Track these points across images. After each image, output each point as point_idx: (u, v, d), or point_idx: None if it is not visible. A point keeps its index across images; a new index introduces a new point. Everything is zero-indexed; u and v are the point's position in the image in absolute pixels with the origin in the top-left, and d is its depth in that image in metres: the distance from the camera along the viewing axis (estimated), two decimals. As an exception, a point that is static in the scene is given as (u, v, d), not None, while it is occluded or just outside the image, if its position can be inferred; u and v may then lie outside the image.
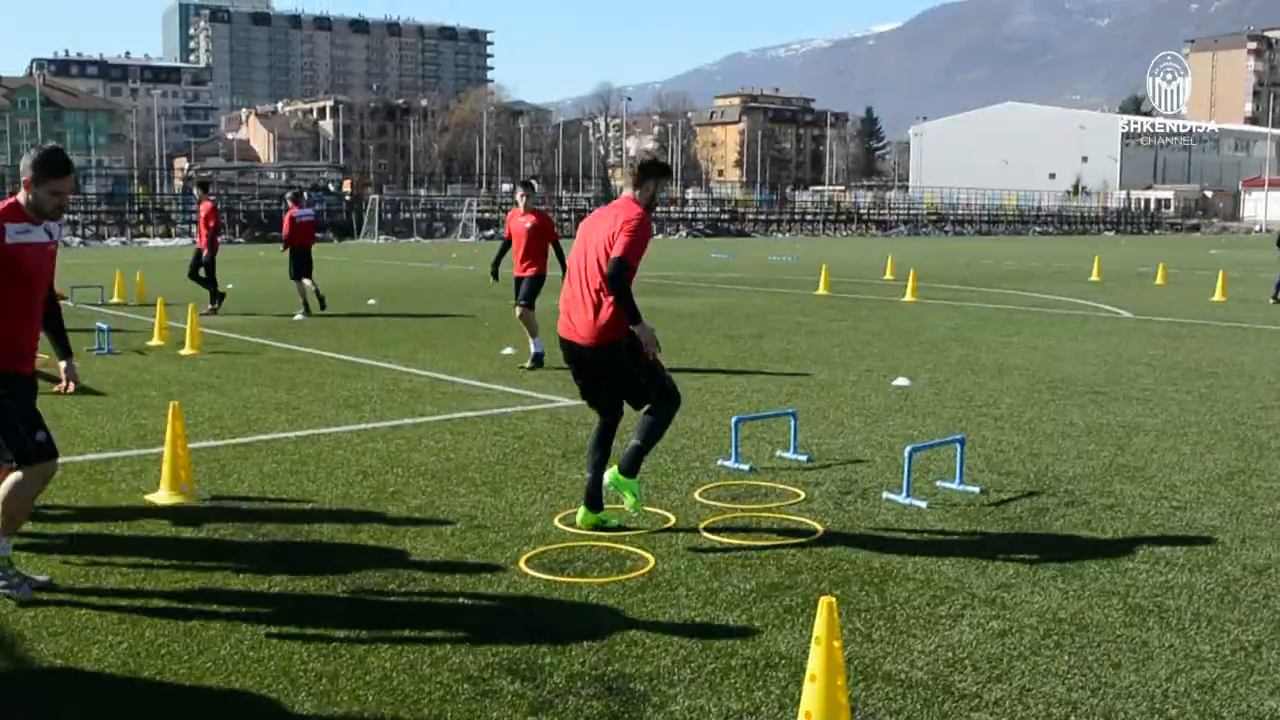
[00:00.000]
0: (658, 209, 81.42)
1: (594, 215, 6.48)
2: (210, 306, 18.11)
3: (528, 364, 12.23)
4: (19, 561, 5.36)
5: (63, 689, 4.27)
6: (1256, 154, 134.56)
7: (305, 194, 21.56)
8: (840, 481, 7.41)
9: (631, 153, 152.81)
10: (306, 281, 18.28)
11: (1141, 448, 8.49)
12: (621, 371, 6.21)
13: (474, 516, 6.55)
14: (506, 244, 12.84)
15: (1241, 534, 6.28)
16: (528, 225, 12.41)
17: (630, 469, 6.25)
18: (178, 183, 69.02)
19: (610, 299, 6.01)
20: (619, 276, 5.95)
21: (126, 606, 5.08)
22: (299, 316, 17.65)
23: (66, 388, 5.44)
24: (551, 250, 12.51)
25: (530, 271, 12.45)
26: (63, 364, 5.46)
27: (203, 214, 18.99)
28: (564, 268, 11.31)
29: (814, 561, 5.75)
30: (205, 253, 18.46)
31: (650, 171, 6.39)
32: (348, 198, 66.31)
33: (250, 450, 8.27)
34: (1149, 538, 6.20)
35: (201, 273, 18.64)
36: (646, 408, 6.32)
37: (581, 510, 6.34)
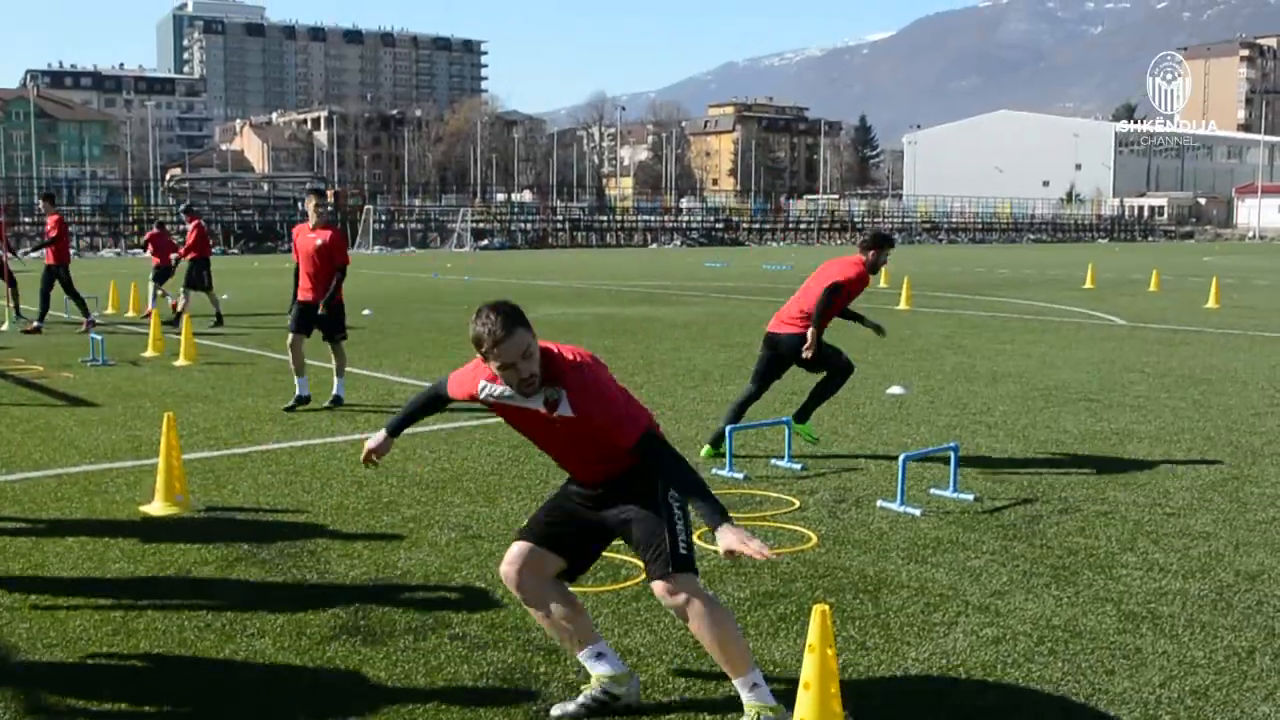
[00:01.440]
0: (650, 218, 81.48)
1: (832, 261, 8.71)
2: (88, 320, 17.28)
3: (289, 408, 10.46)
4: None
5: (57, 700, 4.26)
6: (1249, 161, 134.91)
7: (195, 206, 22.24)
8: (834, 490, 7.42)
9: (626, 162, 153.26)
10: (196, 292, 18.52)
11: (1135, 454, 8.51)
12: (798, 361, 8.48)
13: (468, 526, 6.55)
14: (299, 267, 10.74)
15: (1235, 540, 6.30)
16: (317, 243, 10.46)
17: (803, 416, 8.69)
18: (170, 197, 68.99)
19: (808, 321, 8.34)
20: (822, 301, 8.33)
21: (121, 618, 5.07)
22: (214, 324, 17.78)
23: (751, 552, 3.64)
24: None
25: (318, 297, 10.56)
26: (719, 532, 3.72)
27: (48, 227, 18.10)
28: (334, 292, 10.61)
29: (808, 570, 5.76)
30: (56, 267, 17.71)
31: (876, 243, 8.61)
32: (329, 207, 66.35)
33: (245, 461, 8.27)
34: (1142, 544, 6.21)
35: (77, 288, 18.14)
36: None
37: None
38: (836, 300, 8.39)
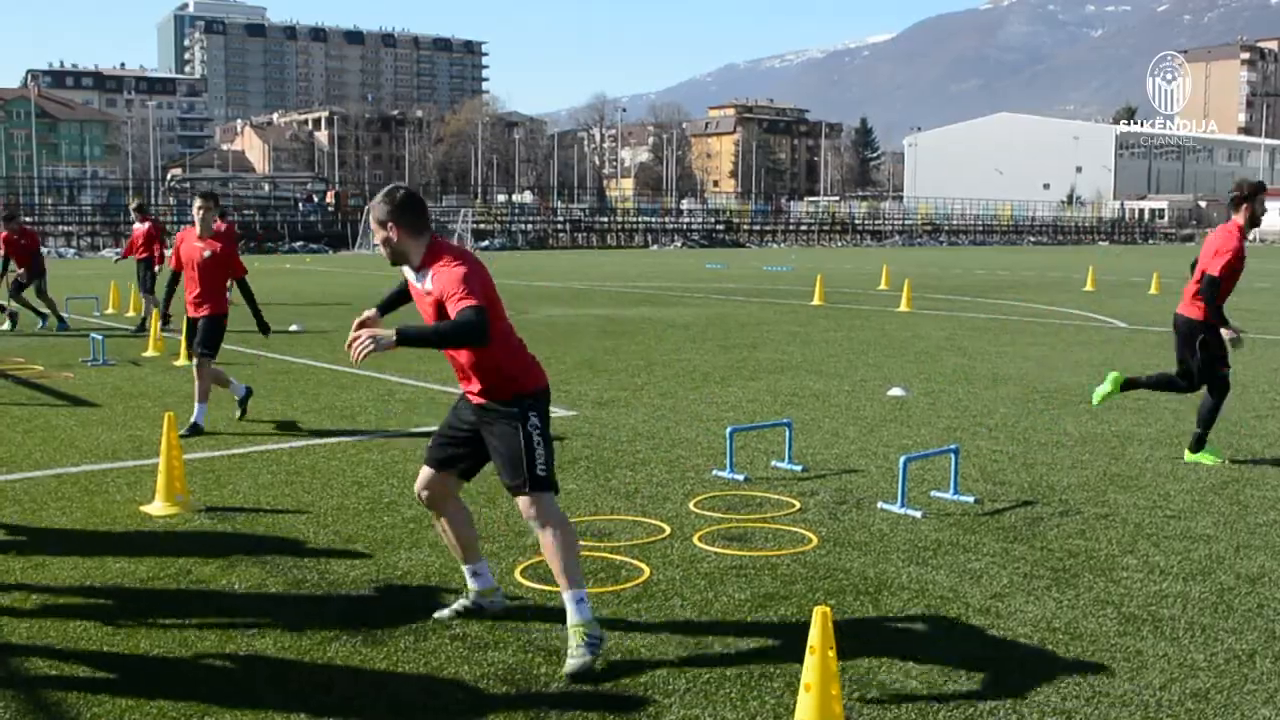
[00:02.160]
0: (651, 219, 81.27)
1: (1213, 234, 8.37)
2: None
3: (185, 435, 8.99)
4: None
5: (57, 700, 4.26)
6: (1250, 164, 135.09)
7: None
8: (835, 491, 7.42)
9: (627, 163, 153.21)
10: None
11: (1135, 457, 8.51)
12: (1188, 346, 8.36)
13: (469, 527, 6.54)
14: (177, 275, 9.83)
15: (1235, 543, 6.30)
16: (205, 254, 9.43)
17: (1197, 447, 8.34)
18: (170, 197, 69.00)
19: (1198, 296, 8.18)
20: (1208, 288, 8.08)
21: (122, 617, 5.07)
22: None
23: None
24: (238, 288, 9.78)
25: (205, 310, 9.48)
26: None
27: None
28: (255, 308, 9.65)
29: (809, 571, 5.76)
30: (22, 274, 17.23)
31: (1249, 192, 8.18)
32: (330, 208, 66.25)
33: (245, 461, 8.28)
34: (1143, 547, 6.21)
35: (31, 295, 17.62)
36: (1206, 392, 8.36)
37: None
38: (1223, 285, 8.16)
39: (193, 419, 9.29)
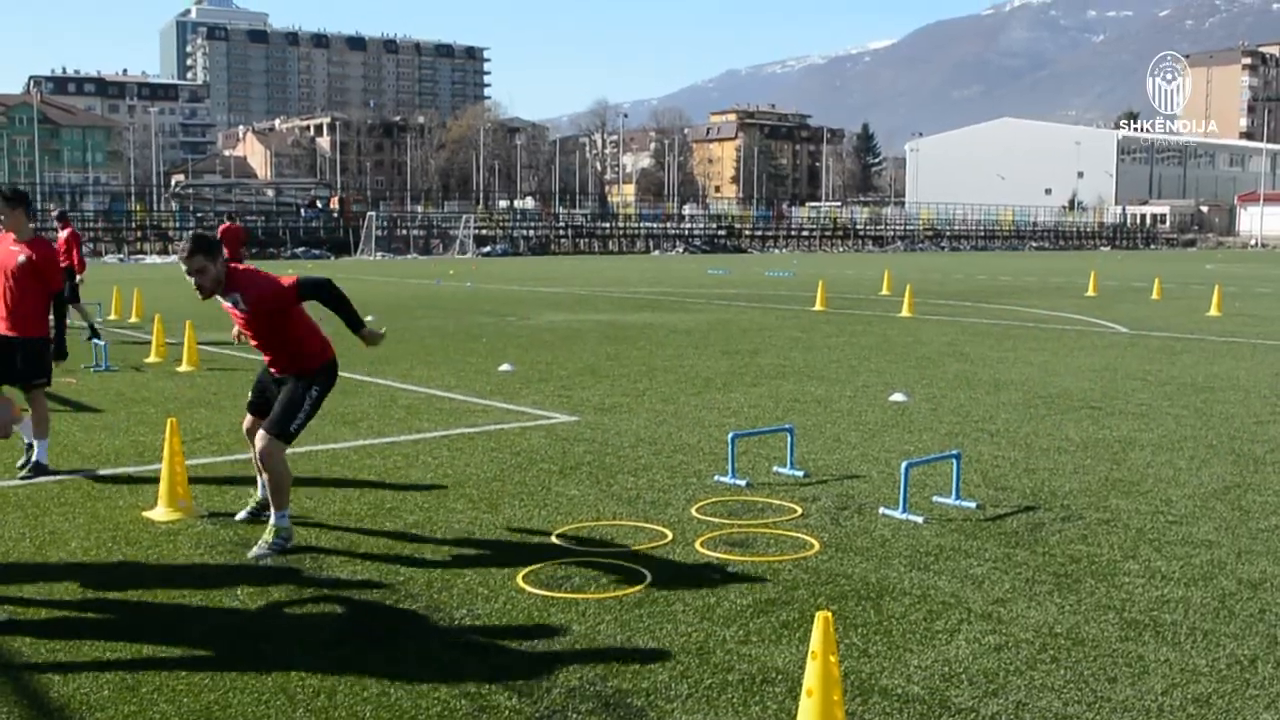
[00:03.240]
0: (653, 225, 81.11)
1: None
2: None
3: (21, 466, 8.02)
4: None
5: (60, 706, 4.26)
6: (1252, 168, 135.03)
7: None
8: (837, 497, 7.43)
9: (629, 169, 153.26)
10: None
11: (1137, 462, 8.51)
12: None
13: (471, 533, 6.56)
14: None
15: (1237, 548, 6.30)
16: (20, 259, 7.80)
17: None
18: (173, 203, 69.00)
19: None
20: None
21: (124, 622, 5.08)
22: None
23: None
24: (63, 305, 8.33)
25: (18, 331, 7.83)
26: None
27: None
28: (60, 328, 8.09)
29: (810, 577, 5.77)
30: None
31: None
32: (335, 214, 66.26)
33: (248, 466, 8.26)
34: (1145, 552, 6.21)
35: None
36: None
37: None
38: None
39: (34, 458, 7.97)
